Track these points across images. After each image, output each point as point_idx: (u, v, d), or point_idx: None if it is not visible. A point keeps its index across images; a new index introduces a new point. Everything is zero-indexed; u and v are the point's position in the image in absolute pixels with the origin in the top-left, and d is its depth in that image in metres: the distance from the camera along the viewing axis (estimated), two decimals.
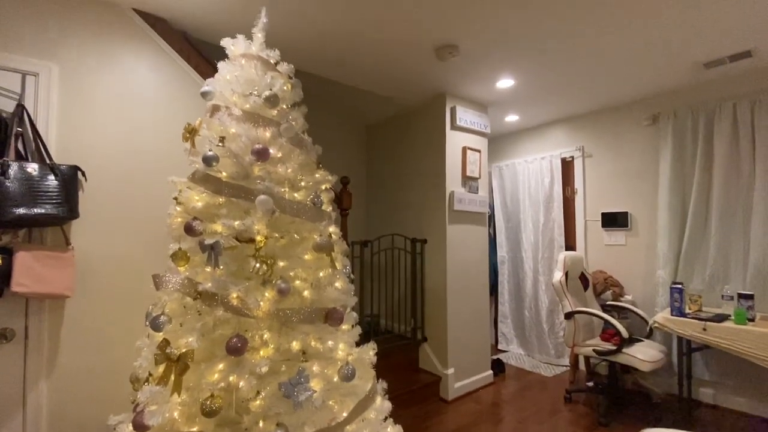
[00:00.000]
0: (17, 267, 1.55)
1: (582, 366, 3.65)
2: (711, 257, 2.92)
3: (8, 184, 1.52)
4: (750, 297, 2.44)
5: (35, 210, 1.57)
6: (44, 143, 1.70)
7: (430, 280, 3.33)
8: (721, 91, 2.96)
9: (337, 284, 1.51)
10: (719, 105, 2.92)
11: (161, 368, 1.25)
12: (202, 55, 2.23)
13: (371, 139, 4.29)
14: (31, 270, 1.58)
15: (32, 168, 1.60)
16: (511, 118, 3.93)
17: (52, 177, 1.64)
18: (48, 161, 1.68)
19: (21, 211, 1.53)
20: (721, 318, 2.47)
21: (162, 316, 1.34)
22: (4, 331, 1.60)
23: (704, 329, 2.41)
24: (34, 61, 1.74)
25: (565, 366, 3.77)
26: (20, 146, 1.65)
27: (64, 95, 1.81)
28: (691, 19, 2.14)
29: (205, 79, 1.72)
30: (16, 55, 1.70)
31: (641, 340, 2.84)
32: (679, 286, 2.65)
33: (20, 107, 1.65)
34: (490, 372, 3.48)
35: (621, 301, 3.29)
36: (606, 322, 2.81)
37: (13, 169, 1.55)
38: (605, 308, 3.24)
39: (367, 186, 4.29)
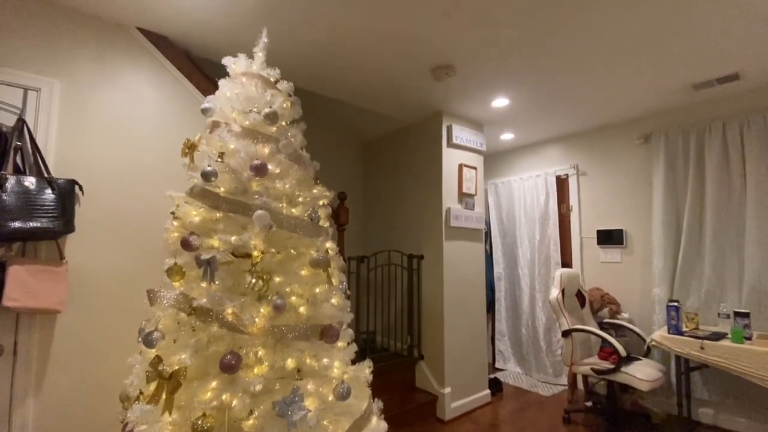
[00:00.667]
0: (9, 281, 1.53)
1: (580, 385, 3.61)
2: (706, 275, 2.92)
3: (5, 198, 1.52)
4: (746, 315, 2.44)
5: (31, 224, 1.57)
6: (43, 157, 1.70)
7: (426, 297, 3.31)
8: (710, 111, 3.03)
9: (333, 300, 1.50)
10: (709, 125, 2.98)
11: (152, 386, 1.23)
12: (203, 72, 2.27)
13: (368, 155, 4.33)
14: (23, 284, 1.56)
15: (30, 182, 1.61)
16: (507, 136, 4.00)
17: (49, 191, 1.64)
18: (46, 175, 1.68)
19: (17, 224, 1.53)
20: (718, 336, 2.46)
21: (155, 332, 1.32)
22: None
23: (702, 348, 2.40)
24: (36, 77, 1.76)
25: (563, 385, 3.71)
26: (19, 160, 1.66)
27: (65, 110, 1.83)
28: (680, 43, 2.21)
29: (205, 96, 1.75)
30: (19, 71, 1.72)
31: (639, 359, 2.82)
32: (676, 304, 2.65)
33: (20, 121, 1.66)
34: (488, 391, 3.43)
35: (618, 319, 3.28)
36: (603, 340, 2.79)
37: (11, 182, 1.56)
38: (602, 326, 3.22)
39: (364, 202, 4.31)
